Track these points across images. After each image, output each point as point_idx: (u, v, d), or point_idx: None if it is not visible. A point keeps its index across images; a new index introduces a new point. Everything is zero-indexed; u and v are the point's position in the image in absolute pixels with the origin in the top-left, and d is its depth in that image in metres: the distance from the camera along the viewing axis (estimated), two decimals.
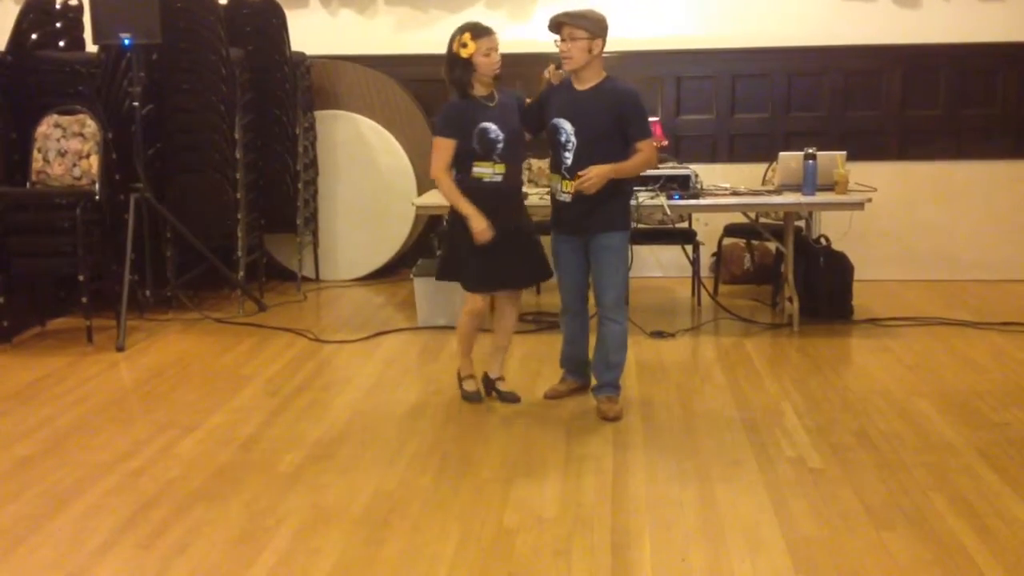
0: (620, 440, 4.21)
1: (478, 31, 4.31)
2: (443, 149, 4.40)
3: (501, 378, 4.78)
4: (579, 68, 4.31)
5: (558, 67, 4.42)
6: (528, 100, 4.56)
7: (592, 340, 4.70)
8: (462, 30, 4.33)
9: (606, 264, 4.42)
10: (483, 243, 4.36)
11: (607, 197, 4.34)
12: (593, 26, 4.27)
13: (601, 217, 4.38)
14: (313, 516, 3.52)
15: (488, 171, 4.39)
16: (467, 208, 4.37)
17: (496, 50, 4.33)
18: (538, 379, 5.00)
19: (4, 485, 3.85)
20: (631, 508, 3.56)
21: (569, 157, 4.35)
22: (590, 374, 4.72)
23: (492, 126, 4.36)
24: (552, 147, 4.44)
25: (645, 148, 4.36)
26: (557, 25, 4.30)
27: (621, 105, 4.30)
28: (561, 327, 4.76)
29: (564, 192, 4.41)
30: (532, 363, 5.28)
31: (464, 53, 4.30)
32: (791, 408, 4.58)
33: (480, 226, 4.35)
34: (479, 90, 4.40)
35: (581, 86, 4.36)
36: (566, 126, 4.35)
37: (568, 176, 4.37)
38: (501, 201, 4.43)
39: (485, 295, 4.60)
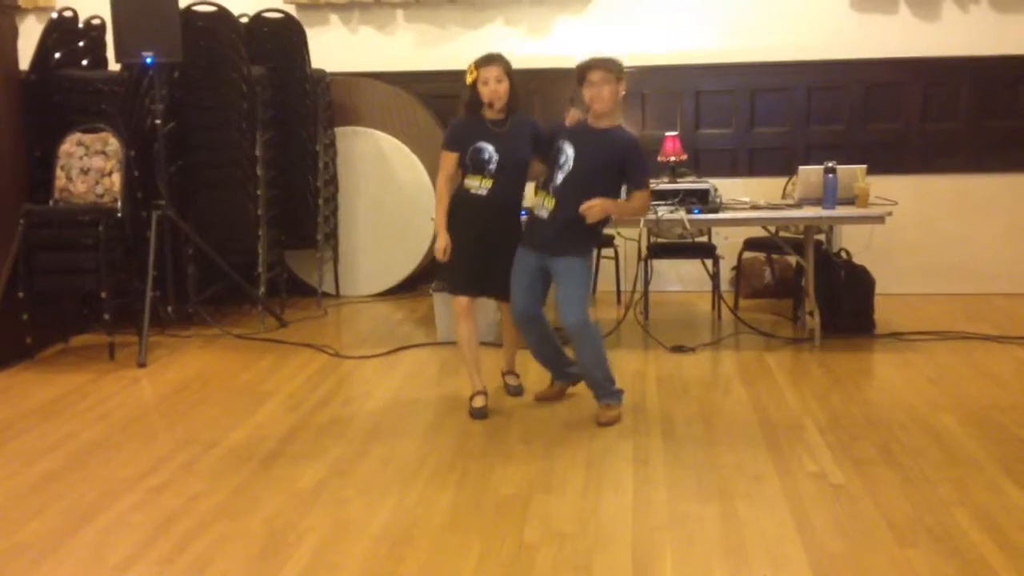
0: (641, 455, 4.20)
1: (481, 60, 4.64)
2: (444, 160, 4.78)
3: (510, 372, 5.11)
4: (608, 110, 4.51)
5: (582, 110, 4.61)
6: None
7: (562, 346, 4.92)
8: (477, 59, 4.64)
9: (563, 284, 4.57)
10: (447, 255, 4.70)
11: (580, 225, 4.50)
12: (621, 71, 4.53)
13: (566, 241, 4.53)
14: (334, 532, 3.53)
15: (476, 183, 4.70)
16: (439, 223, 4.75)
17: (497, 81, 4.58)
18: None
19: (27, 501, 3.87)
20: (652, 524, 3.55)
21: (560, 177, 4.54)
22: (572, 370, 4.90)
23: (488, 147, 4.65)
24: (549, 167, 4.64)
25: (642, 197, 4.59)
26: (587, 69, 4.50)
27: (625, 154, 4.53)
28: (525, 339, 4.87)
29: (544, 208, 4.58)
30: (546, 378, 5.26)
31: (468, 79, 4.64)
32: (813, 423, 4.56)
33: (439, 244, 4.72)
34: (490, 113, 4.67)
35: (598, 125, 4.57)
36: (569, 150, 4.55)
37: (552, 194, 4.55)
38: (483, 211, 4.70)
39: (464, 298, 4.78)
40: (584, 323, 4.53)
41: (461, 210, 4.73)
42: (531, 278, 4.64)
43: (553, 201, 4.53)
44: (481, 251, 4.71)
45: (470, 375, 4.84)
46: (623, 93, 4.56)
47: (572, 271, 4.56)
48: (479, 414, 4.72)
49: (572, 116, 4.66)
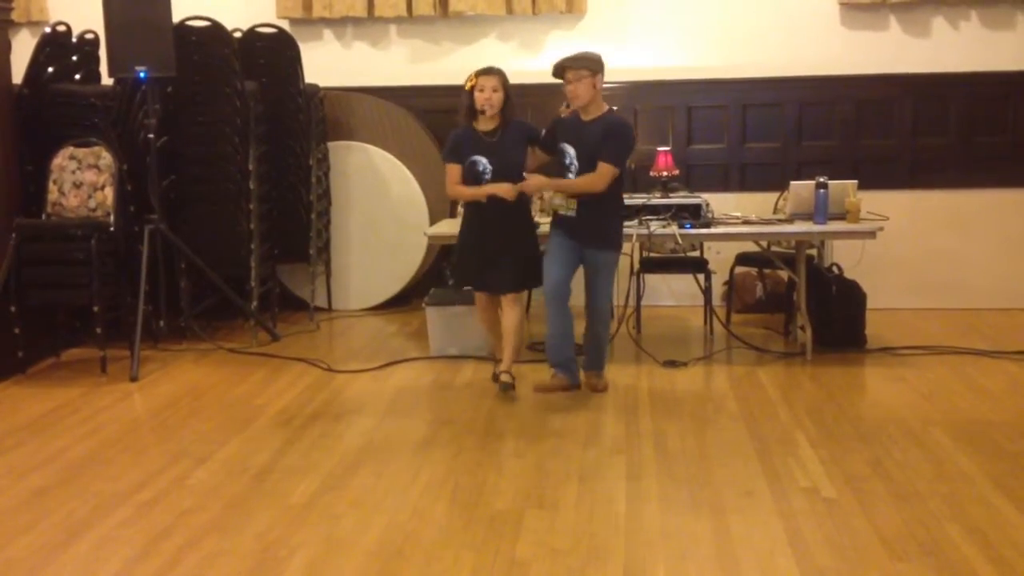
0: (633, 470, 4.20)
1: (481, 71, 5.04)
2: (450, 172, 5.15)
3: (505, 371, 5.25)
4: (587, 103, 5.00)
5: (567, 106, 5.15)
6: (543, 131, 5.26)
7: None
8: (478, 69, 5.06)
9: (603, 278, 5.13)
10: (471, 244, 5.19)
11: (605, 216, 5.09)
12: (594, 64, 4.98)
13: (600, 233, 5.07)
14: (326, 547, 3.52)
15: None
16: (479, 192, 5.06)
17: (492, 90, 4.98)
18: (549, 409, 5.01)
19: (18, 516, 3.86)
20: (645, 539, 3.55)
21: (572, 177, 5.06)
22: (578, 374, 5.27)
23: (482, 159, 5.04)
24: (558, 169, 5.14)
25: (601, 169, 4.95)
26: (561, 70, 4.99)
27: (607, 130, 4.99)
28: (547, 320, 5.14)
29: (568, 209, 5.09)
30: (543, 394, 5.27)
31: (467, 85, 5.04)
32: (805, 438, 4.56)
33: (501, 189, 4.99)
34: (483, 124, 5.07)
35: (587, 117, 5.05)
36: (570, 151, 5.07)
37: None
38: (486, 215, 5.09)
39: (482, 294, 5.25)
40: (608, 308, 5.28)
41: (469, 214, 5.23)
42: (568, 253, 5.08)
43: (575, 201, 5.03)
44: (488, 249, 5.10)
45: (496, 354, 5.34)
46: (599, 86, 4.98)
47: (607, 265, 5.13)
48: (506, 387, 5.12)
49: (566, 109, 5.16)
